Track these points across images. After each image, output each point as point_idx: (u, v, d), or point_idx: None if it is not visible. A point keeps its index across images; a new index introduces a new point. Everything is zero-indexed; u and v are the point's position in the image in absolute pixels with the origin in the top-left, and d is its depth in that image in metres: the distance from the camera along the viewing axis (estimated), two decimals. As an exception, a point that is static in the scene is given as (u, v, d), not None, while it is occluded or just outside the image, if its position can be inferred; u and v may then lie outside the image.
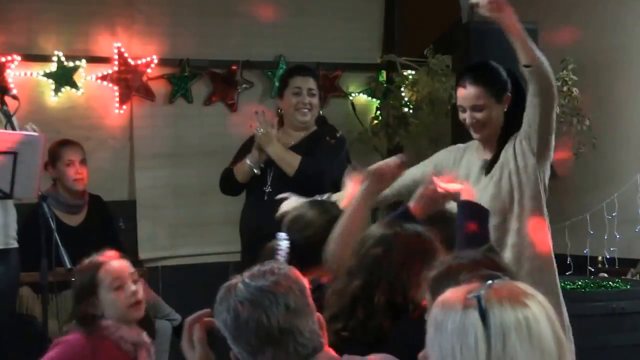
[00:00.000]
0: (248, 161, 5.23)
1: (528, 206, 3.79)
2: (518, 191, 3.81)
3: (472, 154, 3.90)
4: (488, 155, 3.84)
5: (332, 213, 3.50)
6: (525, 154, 3.76)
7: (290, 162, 5.11)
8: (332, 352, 2.34)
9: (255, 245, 4.54)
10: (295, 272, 2.32)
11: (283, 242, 3.32)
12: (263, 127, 5.25)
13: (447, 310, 1.71)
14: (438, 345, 1.69)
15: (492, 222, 3.68)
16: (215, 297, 2.67)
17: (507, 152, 3.81)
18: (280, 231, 3.68)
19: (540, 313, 1.68)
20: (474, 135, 3.84)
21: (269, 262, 2.37)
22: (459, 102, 3.81)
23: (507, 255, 3.77)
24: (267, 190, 5.04)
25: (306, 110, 5.34)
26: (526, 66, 3.55)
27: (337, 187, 4.70)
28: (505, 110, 3.82)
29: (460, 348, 1.65)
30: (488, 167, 3.83)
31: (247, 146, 5.35)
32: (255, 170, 5.27)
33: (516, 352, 1.62)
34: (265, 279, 2.27)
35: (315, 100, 5.37)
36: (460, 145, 4.02)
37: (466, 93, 3.75)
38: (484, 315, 1.66)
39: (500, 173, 3.79)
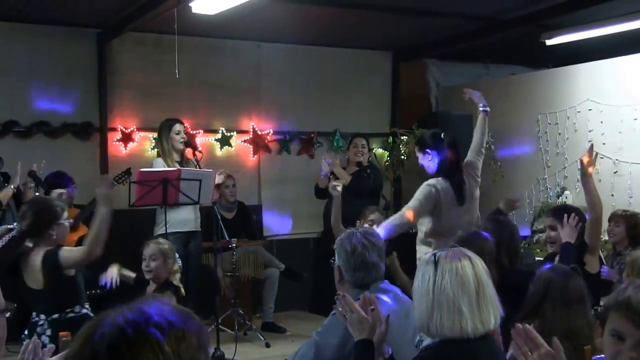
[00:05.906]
0: (322, 175, 7.12)
1: None
2: None
3: None
4: None
5: None
6: None
7: (347, 178, 7.02)
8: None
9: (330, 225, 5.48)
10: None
11: None
12: (335, 170, 7.09)
13: (420, 266, 2.19)
14: (414, 286, 2.16)
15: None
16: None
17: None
18: (338, 217, 4.68)
19: (467, 266, 2.11)
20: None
21: (363, 227, 2.78)
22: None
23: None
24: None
25: (360, 154, 7.32)
26: None
27: (372, 195, 7.06)
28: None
29: (420, 283, 2.17)
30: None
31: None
32: (323, 177, 6.94)
33: (447, 284, 2.08)
34: (371, 235, 2.69)
35: (365, 150, 7.31)
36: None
37: None
38: (435, 265, 2.15)
39: None
